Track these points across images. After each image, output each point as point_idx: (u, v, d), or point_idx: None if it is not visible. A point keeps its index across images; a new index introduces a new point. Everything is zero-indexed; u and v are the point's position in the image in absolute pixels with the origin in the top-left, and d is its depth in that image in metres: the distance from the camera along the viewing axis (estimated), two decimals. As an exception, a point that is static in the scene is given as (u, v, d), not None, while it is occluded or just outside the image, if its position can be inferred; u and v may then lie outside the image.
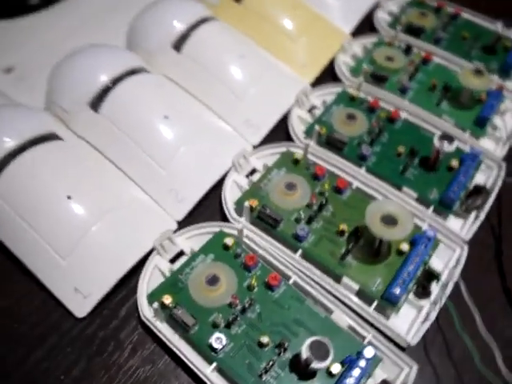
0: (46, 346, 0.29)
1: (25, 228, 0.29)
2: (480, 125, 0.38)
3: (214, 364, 0.27)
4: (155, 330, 0.28)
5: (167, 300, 0.28)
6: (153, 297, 0.29)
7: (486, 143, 0.38)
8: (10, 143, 0.31)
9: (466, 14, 0.47)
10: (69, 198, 0.30)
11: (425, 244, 0.30)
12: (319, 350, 0.25)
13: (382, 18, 0.48)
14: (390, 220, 0.29)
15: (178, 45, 0.39)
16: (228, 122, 0.38)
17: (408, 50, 0.43)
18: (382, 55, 0.42)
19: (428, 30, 0.46)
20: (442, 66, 0.43)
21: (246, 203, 0.32)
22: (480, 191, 0.35)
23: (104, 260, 0.30)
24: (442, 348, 0.30)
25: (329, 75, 0.43)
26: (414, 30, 0.45)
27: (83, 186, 0.31)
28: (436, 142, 0.34)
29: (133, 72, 0.36)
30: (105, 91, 0.34)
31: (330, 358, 0.25)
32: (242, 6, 0.44)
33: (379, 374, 0.27)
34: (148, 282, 0.30)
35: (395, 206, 0.30)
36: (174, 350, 0.27)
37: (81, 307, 0.29)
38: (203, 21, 0.40)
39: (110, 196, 0.32)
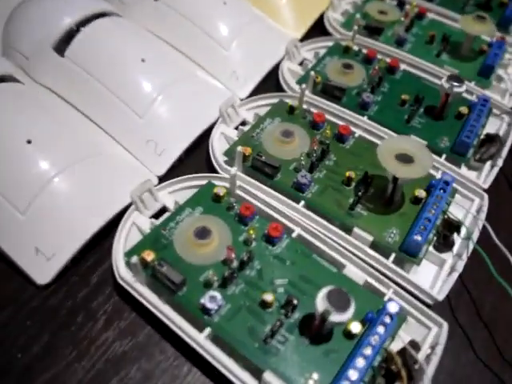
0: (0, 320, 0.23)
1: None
2: (485, 75, 0.35)
3: (208, 329, 0.22)
4: (134, 293, 0.23)
5: (149, 256, 0.23)
6: (130, 254, 0.24)
7: (492, 95, 0.35)
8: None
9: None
10: (28, 142, 0.25)
11: (443, 189, 0.27)
12: (338, 300, 0.20)
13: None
14: (405, 158, 0.25)
15: (153, -10, 0.35)
16: (212, 73, 0.34)
17: (401, 4, 0.40)
18: (375, 9, 0.39)
19: (420, -13, 0.43)
20: (438, 21, 0.40)
21: (239, 148, 0.27)
22: (493, 139, 0.31)
23: (71, 216, 0.25)
24: (470, 307, 0.26)
25: (318, 32, 0.40)
26: (405, -14, 0.42)
27: (46, 130, 0.26)
28: (444, 83, 0.30)
29: (103, 15, 0.31)
30: (72, 32, 0.30)
31: (352, 309, 0.20)
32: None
33: (403, 336, 0.23)
34: (125, 241, 0.25)
35: (410, 142, 0.26)
36: (159, 315, 0.23)
37: (43, 272, 0.24)
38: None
39: (77, 145, 0.27)
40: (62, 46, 0.30)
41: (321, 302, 0.20)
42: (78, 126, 0.28)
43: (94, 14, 0.31)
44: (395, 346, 0.22)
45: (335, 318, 0.20)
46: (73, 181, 0.26)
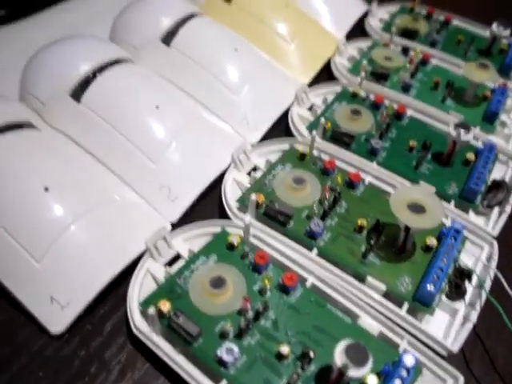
0: (11, 371, 0.23)
1: (-8, 225, 0.24)
2: (489, 120, 0.36)
3: (224, 382, 0.22)
4: (150, 344, 0.23)
5: (165, 306, 0.23)
6: (146, 304, 0.24)
7: (496, 140, 0.36)
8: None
9: (457, 21, 0.46)
10: (46, 189, 0.25)
11: (454, 237, 0.27)
12: (357, 355, 0.20)
13: (373, 24, 0.46)
14: (417, 208, 0.26)
15: (168, 39, 0.36)
16: (224, 118, 0.34)
17: (405, 51, 0.42)
18: (381, 55, 0.40)
19: (422, 34, 0.44)
20: (442, 67, 0.41)
21: (253, 196, 0.28)
22: (500, 185, 0.32)
23: (86, 264, 0.25)
24: (484, 358, 0.26)
25: (325, 77, 0.41)
26: (408, 33, 0.44)
27: (62, 177, 0.26)
28: (452, 131, 0.31)
29: (118, 62, 0.32)
30: (89, 79, 0.31)
31: (370, 364, 0.20)
32: (232, 5, 0.41)
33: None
34: (140, 289, 0.25)
35: (422, 193, 0.27)
36: (174, 366, 0.22)
37: (57, 320, 0.24)
38: (192, 16, 0.37)
39: (93, 192, 0.27)
40: (79, 92, 0.31)
41: (339, 357, 0.20)
42: (93, 172, 0.29)
43: (109, 61, 0.32)
44: (411, 399, 0.22)
45: (353, 372, 0.20)
46: (88, 228, 0.26)
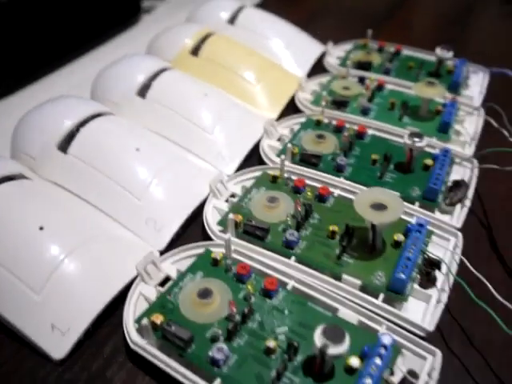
0: (20, 398, 0.25)
1: (-8, 265, 0.27)
2: (443, 130, 0.40)
3: (218, 380, 0.23)
4: (147, 355, 0.25)
5: (157, 319, 0.25)
6: (140, 319, 0.26)
7: (453, 147, 0.39)
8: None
9: (406, 50, 0.51)
10: (41, 228, 0.28)
11: (419, 230, 0.29)
12: (333, 334, 0.22)
13: (331, 61, 0.51)
14: (379, 206, 0.28)
15: (143, 91, 0.40)
16: (200, 155, 0.38)
17: (362, 80, 0.46)
18: (339, 86, 0.44)
19: (375, 65, 0.49)
20: (396, 91, 0.45)
21: (231, 215, 0.30)
22: (459, 184, 0.35)
23: (82, 292, 0.27)
24: (461, 337, 0.28)
25: (291, 111, 0.44)
26: (363, 65, 0.48)
27: (55, 217, 0.29)
28: (406, 139, 0.34)
29: (99, 115, 0.36)
30: (73, 132, 0.34)
31: (348, 341, 0.22)
32: (199, 58, 0.46)
33: (401, 368, 0.24)
34: (134, 309, 0.27)
35: (382, 192, 0.29)
36: (170, 372, 0.24)
37: (59, 346, 0.26)
38: (163, 70, 0.41)
39: (84, 228, 0.30)
40: (65, 144, 0.34)
41: (318, 338, 0.22)
42: (83, 212, 0.31)
43: (90, 115, 0.35)
44: (395, 380, 0.24)
45: (333, 350, 0.22)
46: (82, 260, 0.28)
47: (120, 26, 0.60)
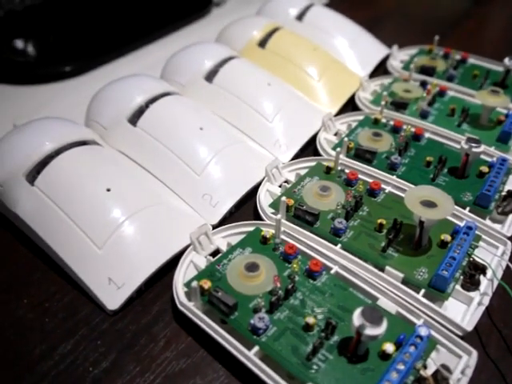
0: (74, 339, 0.27)
1: (63, 218, 0.29)
2: (503, 140, 0.39)
3: (256, 348, 0.25)
4: (192, 316, 0.26)
5: (206, 284, 0.27)
6: (190, 283, 0.27)
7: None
8: (50, 145, 0.32)
9: (472, 59, 0.51)
10: (108, 190, 0.30)
11: (466, 233, 0.30)
12: (372, 316, 0.23)
13: (394, 64, 0.51)
14: (429, 203, 0.29)
15: (210, 77, 0.42)
16: (258, 142, 0.39)
17: (423, 84, 0.46)
18: (400, 88, 0.45)
19: (439, 71, 0.49)
20: (457, 97, 0.45)
21: (283, 198, 0.32)
22: (514, 194, 0.34)
23: (139, 253, 0.29)
24: (500, 342, 0.28)
25: (350, 110, 0.45)
26: (426, 70, 0.48)
27: (121, 181, 0.31)
28: (464, 144, 0.34)
29: (167, 94, 0.38)
30: (143, 108, 0.36)
31: (385, 325, 0.23)
32: (266, 50, 0.47)
33: (435, 361, 0.25)
34: (184, 275, 0.29)
35: (434, 191, 0.30)
36: (213, 334, 0.26)
37: (113, 299, 0.28)
38: (231, 58, 0.43)
39: (146, 195, 0.32)
40: (135, 118, 0.36)
41: (356, 318, 0.23)
42: (145, 181, 0.34)
43: (160, 93, 0.38)
44: (428, 373, 0.24)
45: (369, 331, 0.23)
46: (141, 224, 0.30)
47: (191, 16, 0.62)
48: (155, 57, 0.51)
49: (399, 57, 0.52)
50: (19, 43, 0.51)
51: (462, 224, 0.32)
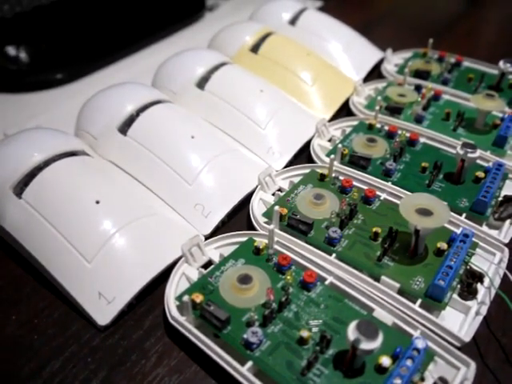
0: (64, 356, 0.26)
1: (51, 232, 0.28)
2: (499, 144, 0.39)
3: (250, 363, 0.24)
4: (183, 331, 0.26)
5: (197, 298, 0.26)
6: (181, 297, 0.27)
7: (508, 162, 0.38)
8: (39, 157, 0.31)
9: (467, 62, 0.50)
10: (97, 202, 0.29)
11: (463, 240, 0.29)
12: (367, 330, 0.22)
13: (389, 68, 0.51)
14: (425, 211, 0.28)
15: (201, 83, 0.41)
16: (251, 149, 0.39)
17: (418, 88, 0.45)
18: (395, 92, 0.44)
19: (434, 75, 0.48)
20: (452, 101, 0.44)
21: (276, 208, 0.31)
22: (511, 200, 0.34)
23: (130, 266, 0.29)
24: (498, 353, 0.27)
25: (344, 115, 0.45)
26: (421, 74, 0.48)
27: (111, 193, 0.31)
28: (459, 150, 0.34)
29: (158, 102, 0.37)
30: (133, 116, 0.36)
31: (380, 338, 0.22)
32: (258, 55, 0.47)
33: (432, 374, 0.24)
34: (176, 288, 0.28)
35: (429, 198, 0.29)
36: (205, 349, 0.25)
37: (104, 314, 0.27)
38: (223, 64, 0.42)
39: (136, 206, 0.31)
40: (125, 127, 0.36)
41: (351, 332, 0.22)
42: (136, 191, 0.33)
43: (150, 102, 0.37)
44: (426, 385, 0.24)
45: (365, 345, 0.22)
46: (131, 236, 0.29)
47: (184, 22, 0.62)
48: (147, 63, 0.51)
49: (393, 60, 0.52)
50: (10, 50, 0.51)
51: (458, 231, 0.31)
